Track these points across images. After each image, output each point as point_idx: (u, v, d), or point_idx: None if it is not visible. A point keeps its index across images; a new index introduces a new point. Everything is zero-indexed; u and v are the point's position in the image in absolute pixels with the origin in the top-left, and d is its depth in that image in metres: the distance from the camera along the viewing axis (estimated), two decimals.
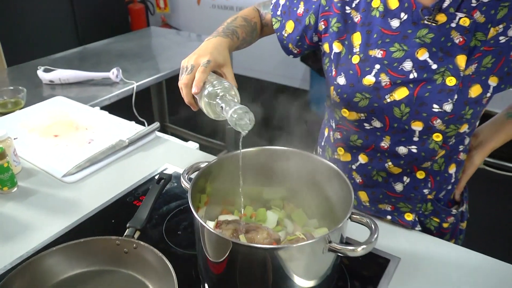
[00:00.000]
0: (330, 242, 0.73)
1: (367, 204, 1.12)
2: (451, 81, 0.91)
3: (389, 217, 1.10)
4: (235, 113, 0.78)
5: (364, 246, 0.73)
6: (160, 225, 1.05)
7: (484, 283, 0.92)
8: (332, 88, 1.04)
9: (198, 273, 0.91)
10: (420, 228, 1.09)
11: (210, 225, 0.91)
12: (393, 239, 1.03)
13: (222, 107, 0.82)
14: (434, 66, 0.92)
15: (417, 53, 0.92)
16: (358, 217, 0.79)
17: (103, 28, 4.25)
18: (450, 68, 0.91)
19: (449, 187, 1.10)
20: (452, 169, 1.07)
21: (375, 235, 0.75)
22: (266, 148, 0.96)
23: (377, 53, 0.96)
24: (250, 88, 4.48)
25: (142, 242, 0.90)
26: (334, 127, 1.12)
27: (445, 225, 1.11)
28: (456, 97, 0.91)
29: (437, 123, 0.94)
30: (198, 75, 0.87)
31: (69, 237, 1.01)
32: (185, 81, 0.89)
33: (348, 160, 1.11)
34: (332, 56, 1.04)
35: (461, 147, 1.04)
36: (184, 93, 0.91)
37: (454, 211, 1.11)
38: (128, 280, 0.89)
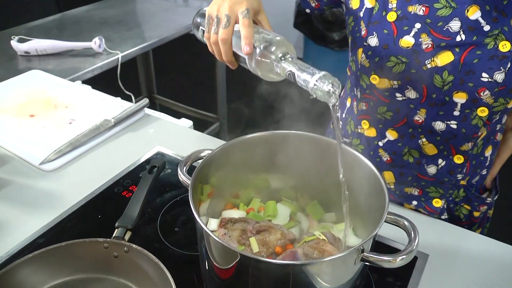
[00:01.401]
0: (362, 251, 0.61)
1: (392, 186, 1.00)
2: (505, 46, 0.77)
3: (415, 202, 0.98)
4: (321, 82, 0.64)
5: (403, 257, 0.61)
6: (154, 221, 0.92)
7: None
8: (360, 50, 0.90)
9: (200, 278, 0.79)
10: (446, 216, 0.98)
11: (214, 224, 0.79)
12: (419, 232, 0.91)
13: (291, 73, 0.68)
14: (487, 28, 0.78)
15: (467, 11, 0.78)
16: (393, 217, 0.66)
17: None
18: (505, 31, 0.77)
19: (484, 172, 0.98)
20: (488, 152, 0.95)
21: (416, 241, 0.63)
22: (276, 133, 0.83)
23: (418, 9, 0.82)
24: None
25: (134, 245, 0.77)
26: (359, 96, 0.98)
27: (476, 214, 1.00)
28: (509, 65, 0.78)
29: (485, 95, 0.81)
30: (245, 30, 0.73)
31: (49, 237, 0.88)
32: (224, 36, 0.75)
33: (373, 136, 0.98)
34: (362, 13, 0.89)
35: (498, 126, 0.92)
36: (222, 50, 0.77)
37: (488, 199, 1.00)
38: None
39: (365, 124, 0.98)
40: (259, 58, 0.73)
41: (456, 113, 0.85)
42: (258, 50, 0.73)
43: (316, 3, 1.00)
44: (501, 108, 0.83)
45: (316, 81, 0.65)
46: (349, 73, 1.03)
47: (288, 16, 3.96)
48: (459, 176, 0.94)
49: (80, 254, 0.78)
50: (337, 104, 0.66)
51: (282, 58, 0.71)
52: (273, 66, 0.72)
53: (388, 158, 0.97)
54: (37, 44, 1.88)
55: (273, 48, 0.72)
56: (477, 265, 0.86)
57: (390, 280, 0.81)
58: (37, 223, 0.91)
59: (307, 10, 1.04)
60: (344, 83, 1.10)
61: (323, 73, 0.66)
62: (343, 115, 1.08)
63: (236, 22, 0.75)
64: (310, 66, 0.68)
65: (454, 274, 0.84)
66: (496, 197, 1.02)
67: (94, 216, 0.93)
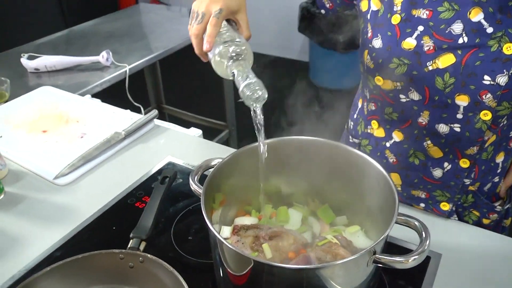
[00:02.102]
0: (374, 253, 0.62)
1: (399, 188, 1.00)
2: (509, 48, 0.77)
3: (422, 205, 0.98)
4: (248, 89, 0.71)
5: (415, 257, 0.61)
6: (168, 230, 0.93)
7: None
8: (366, 52, 0.91)
9: (215, 285, 0.80)
10: (456, 218, 0.98)
11: (226, 231, 0.80)
12: (430, 232, 0.91)
13: (234, 74, 0.74)
14: (490, 30, 0.77)
15: (469, 14, 0.78)
16: (403, 218, 0.67)
17: (90, 8, 4.05)
18: (509, 33, 0.76)
19: (496, 179, 0.97)
20: (499, 158, 0.94)
21: (427, 241, 0.63)
22: (284, 139, 0.84)
23: (422, 13, 0.82)
24: None
25: (149, 255, 0.78)
26: (368, 97, 1.00)
27: (485, 221, 0.99)
28: None
29: (487, 98, 0.80)
30: (209, 28, 0.78)
31: (66, 250, 0.89)
32: (195, 31, 0.81)
33: (382, 136, 0.99)
34: (369, 15, 0.90)
35: (511, 133, 0.91)
36: (194, 43, 0.83)
37: (498, 207, 0.98)
38: None
39: (374, 124, 0.99)
40: (217, 57, 0.78)
41: (459, 116, 0.85)
42: (217, 50, 0.78)
43: (330, 4, 1.04)
44: (506, 112, 0.82)
45: (244, 86, 0.70)
46: (361, 74, 1.04)
47: (292, 20, 3.96)
48: (467, 181, 0.93)
49: (96, 266, 0.79)
50: (258, 111, 0.73)
51: (234, 59, 0.76)
52: (225, 66, 0.77)
53: (394, 160, 0.98)
54: (46, 61, 1.90)
55: (230, 49, 0.77)
56: (492, 263, 0.85)
57: (403, 280, 0.82)
58: (53, 236, 0.93)
59: (322, 11, 1.07)
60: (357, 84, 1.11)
61: (253, 80, 0.71)
62: (355, 116, 1.09)
63: None
64: (251, 72, 0.73)
65: (469, 273, 0.83)
66: (507, 206, 1.01)
67: (109, 227, 0.95)
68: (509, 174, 0.98)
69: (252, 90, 0.70)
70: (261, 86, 0.71)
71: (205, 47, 0.78)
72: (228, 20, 0.84)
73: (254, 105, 0.72)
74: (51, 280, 0.77)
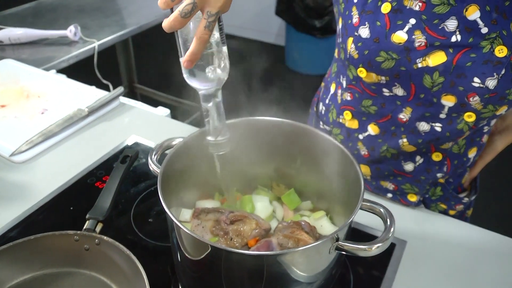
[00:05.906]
0: (337, 240, 0.60)
1: (368, 178, 0.98)
2: (501, 51, 0.72)
3: (389, 195, 0.97)
4: (214, 148, 0.73)
5: (379, 245, 0.59)
6: (128, 212, 0.90)
7: (501, 262, 0.83)
8: (350, 39, 0.84)
9: (174, 270, 0.77)
10: (422, 206, 0.97)
11: (187, 214, 0.77)
12: (396, 219, 0.89)
13: (207, 113, 0.72)
14: (484, 30, 0.72)
15: (466, 11, 0.72)
16: (369, 204, 0.65)
17: None
18: (503, 35, 0.71)
19: (461, 170, 0.96)
20: (472, 153, 0.92)
21: (392, 229, 0.61)
22: (251, 119, 0.81)
23: (415, 4, 0.75)
24: None
25: (105, 237, 0.75)
26: (344, 86, 0.93)
27: (451, 212, 0.98)
28: (503, 72, 0.73)
29: (474, 100, 0.76)
30: (195, 45, 0.63)
31: (20, 231, 0.85)
32: (176, 24, 0.62)
33: (354, 128, 0.94)
34: None
35: (485, 129, 0.89)
36: (166, 26, 0.63)
37: (465, 199, 0.98)
38: (90, 283, 0.75)
39: (347, 115, 0.94)
40: (194, 71, 0.68)
41: (443, 116, 0.82)
42: (195, 70, 0.68)
43: None
44: (489, 114, 0.79)
45: (212, 142, 0.72)
46: (336, 57, 0.98)
47: (270, 3, 3.92)
48: (439, 175, 0.91)
49: (50, 248, 0.76)
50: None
51: (213, 97, 0.71)
52: (198, 89, 0.71)
53: (366, 153, 0.95)
54: (10, 33, 1.82)
55: (211, 84, 0.69)
56: (456, 250, 0.85)
57: (367, 266, 0.80)
58: (8, 216, 0.88)
59: None
60: (330, 66, 1.07)
61: (224, 140, 0.72)
62: (327, 101, 1.04)
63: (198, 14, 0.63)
64: (223, 117, 0.72)
65: (433, 260, 0.83)
66: (474, 197, 1.00)
67: (66, 208, 0.91)
68: (476, 166, 0.97)
69: (218, 149, 0.73)
70: (227, 146, 0.73)
71: (185, 65, 0.65)
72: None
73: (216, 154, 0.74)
74: (1, 263, 0.73)
